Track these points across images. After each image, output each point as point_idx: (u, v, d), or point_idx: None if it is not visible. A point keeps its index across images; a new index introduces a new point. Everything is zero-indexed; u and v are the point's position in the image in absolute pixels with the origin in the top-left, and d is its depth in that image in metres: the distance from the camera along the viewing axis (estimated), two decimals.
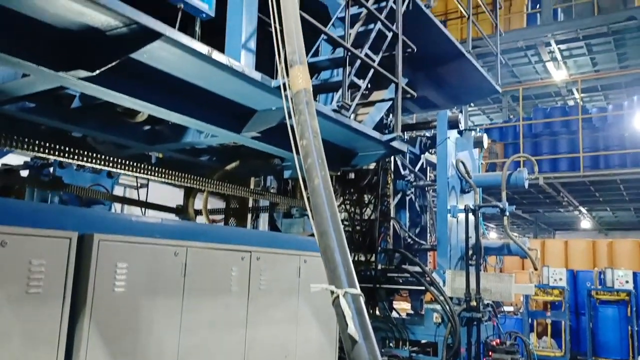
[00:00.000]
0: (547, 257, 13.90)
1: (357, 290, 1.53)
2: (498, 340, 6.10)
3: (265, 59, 4.37)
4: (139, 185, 9.93)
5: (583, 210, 17.84)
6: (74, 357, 2.58)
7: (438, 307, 5.98)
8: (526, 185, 6.48)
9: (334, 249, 1.48)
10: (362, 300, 1.55)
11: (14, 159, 6.34)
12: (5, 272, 2.33)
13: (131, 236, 2.89)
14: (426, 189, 7.35)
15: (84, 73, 2.59)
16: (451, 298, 5.92)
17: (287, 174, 5.01)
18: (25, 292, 2.39)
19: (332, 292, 1.51)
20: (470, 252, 6.14)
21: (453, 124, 6.38)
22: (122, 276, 2.79)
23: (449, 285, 5.98)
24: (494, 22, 6.75)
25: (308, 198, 1.62)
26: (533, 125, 14.57)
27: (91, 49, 2.57)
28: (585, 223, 21.38)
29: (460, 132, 6.64)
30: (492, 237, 22.01)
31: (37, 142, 2.88)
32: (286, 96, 2.27)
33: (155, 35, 2.47)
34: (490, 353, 5.92)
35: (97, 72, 2.58)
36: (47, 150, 2.96)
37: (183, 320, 3.13)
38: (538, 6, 15.48)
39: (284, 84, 2.35)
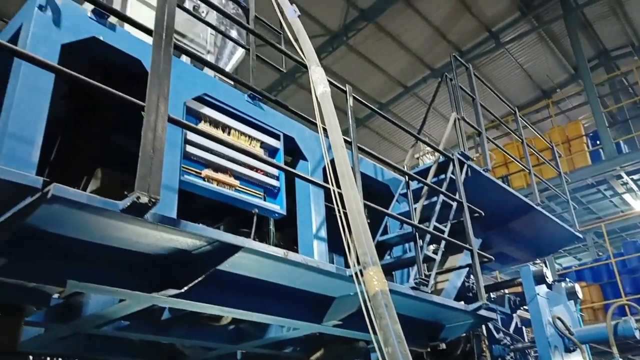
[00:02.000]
0: None
1: None
2: None
3: (337, 236, 4.52)
4: None
5: None
6: None
7: None
8: (637, 336, 5.85)
9: None
10: None
11: None
12: None
13: None
14: (526, 351, 6.76)
15: (173, 291, 2.77)
16: None
17: (374, 357, 4.82)
18: None
19: None
20: None
21: (539, 279, 6.07)
22: None
23: None
24: (558, 171, 6.76)
25: None
26: (627, 260, 13.60)
27: (179, 268, 2.79)
28: None
29: (549, 286, 6.28)
30: None
31: None
32: (360, 283, 2.32)
33: (236, 249, 2.65)
34: None
35: (185, 288, 2.75)
36: None
37: None
38: (598, 142, 15.47)
39: (356, 273, 2.41)
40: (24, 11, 2.79)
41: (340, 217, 2.56)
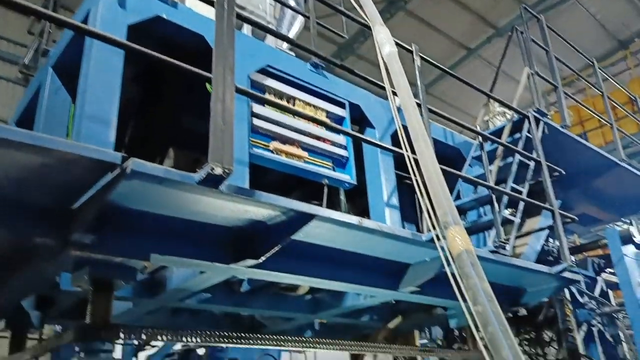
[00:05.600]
0: None
1: None
2: None
3: (407, 204, 4.43)
4: (303, 349, 10.01)
5: None
6: None
7: None
8: None
9: None
10: None
11: None
12: None
13: None
14: (614, 315, 6.44)
15: (251, 262, 2.81)
16: None
17: (452, 323, 4.73)
18: None
19: None
20: None
21: (626, 239, 5.72)
22: None
23: None
24: None
25: None
26: None
27: (255, 240, 2.81)
28: None
29: (638, 246, 5.90)
30: None
31: (214, 332, 3.10)
32: (442, 247, 2.24)
33: (310, 217, 2.64)
34: None
35: (262, 259, 2.78)
36: (223, 339, 3.16)
37: None
38: None
39: (437, 235, 2.33)
40: None
41: (417, 180, 2.48)
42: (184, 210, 2.52)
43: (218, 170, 2.10)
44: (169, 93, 3.89)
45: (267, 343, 3.78)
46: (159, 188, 2.23)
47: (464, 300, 1.80)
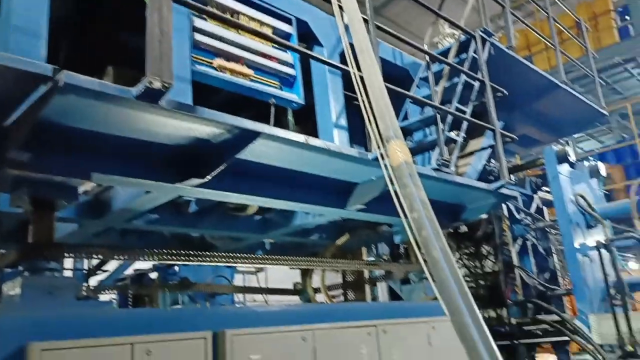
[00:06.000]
0: None
1: None
2: None
3: (356, 127, 4.47)
4: (256, 270, 10.28)
5: None
6: None
7: (588, 357, 5.42)
8: None
9: (469, 326, 1.42)
10: None
11: (143, 263, 6.87)
12: None
13: (259, 327, 2.97)
14: (547, 230, 6.89)
15: (197, 181, 2.80)
16: (601, 346, 5.36)
17: (397, 239, 4.95)
18: None
19: None
20: (613, 291, 5.58)
21: (562, 159, 6.03)
22: None
23: (595, 331, 5.43)
24: (584, 47, 6.45)
25: (431, 275, 1.59)
26: None
27: (201, 159, 2.79)
28: None
29: (572, 165, 6.24)
30: (634, 268, 19.78)
31: (163, 251, 3.13)
32: (385, 165, 2.30)
33: (254, 135, 2.63)
34: None
35: (208, 178, 2.78)
36: (172, 257, 3.20)
37: None
38: (627, 17, 14.61)
39: (382, 154, 2.39)
40: None
41: (362, 97, 2.49)
42: (125, 127, 2.45)
43: (157, 84, 2.04)
44: (105, 8, 3.66)
45: (219, 260, 3.86)
46: (97, 104, 2.15)
47: (404, 213, 1.88)
